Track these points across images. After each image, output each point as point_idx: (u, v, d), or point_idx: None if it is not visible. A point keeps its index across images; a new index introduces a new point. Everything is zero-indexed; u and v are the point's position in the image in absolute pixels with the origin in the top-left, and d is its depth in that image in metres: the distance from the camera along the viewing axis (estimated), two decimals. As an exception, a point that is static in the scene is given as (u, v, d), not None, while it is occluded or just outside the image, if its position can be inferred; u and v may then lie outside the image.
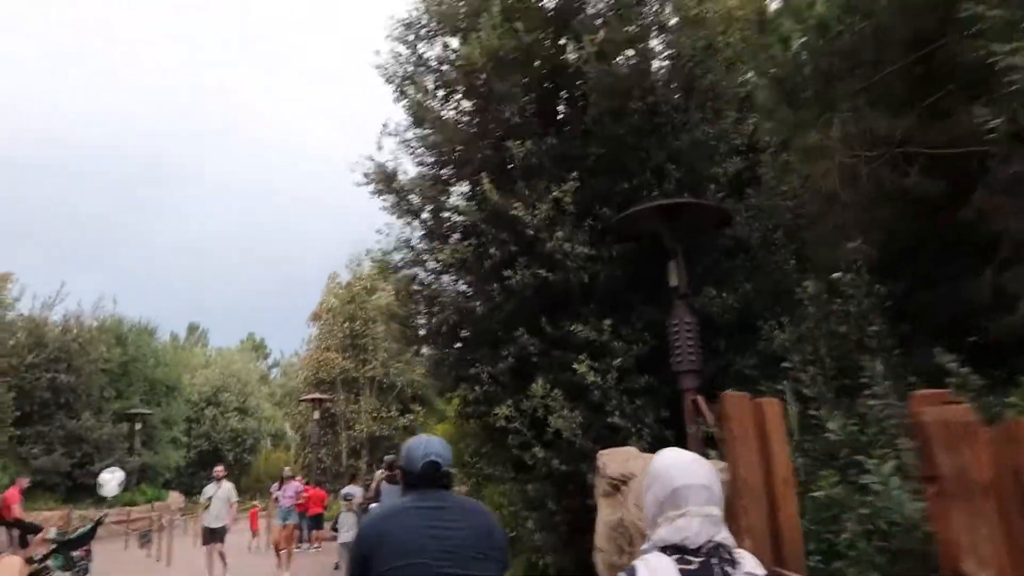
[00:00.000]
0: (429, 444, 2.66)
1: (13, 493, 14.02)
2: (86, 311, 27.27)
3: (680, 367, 6.65)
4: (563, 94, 7.92)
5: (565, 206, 7.05)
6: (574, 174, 7.07)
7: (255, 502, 24.21)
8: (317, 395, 22.72)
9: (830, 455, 4.13)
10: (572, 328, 6.94)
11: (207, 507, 12.40)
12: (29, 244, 70.42)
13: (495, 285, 7.36)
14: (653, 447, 6.60)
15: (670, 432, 6.73)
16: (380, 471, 15.96)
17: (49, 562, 14.37)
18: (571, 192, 6.98)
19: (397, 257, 8.64)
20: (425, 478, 2.58)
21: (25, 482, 15.35)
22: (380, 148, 8.43)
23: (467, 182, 7.84)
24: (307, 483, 19.41)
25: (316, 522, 18.54)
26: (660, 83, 7.67)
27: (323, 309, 26.17)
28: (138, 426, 27.50)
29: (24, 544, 13.75)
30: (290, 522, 14.64)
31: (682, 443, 6.28)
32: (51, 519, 20.95)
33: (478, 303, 7.38)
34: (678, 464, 1.87)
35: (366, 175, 8.80)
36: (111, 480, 22.01)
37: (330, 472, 24.92)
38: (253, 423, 40.12)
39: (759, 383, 5.79)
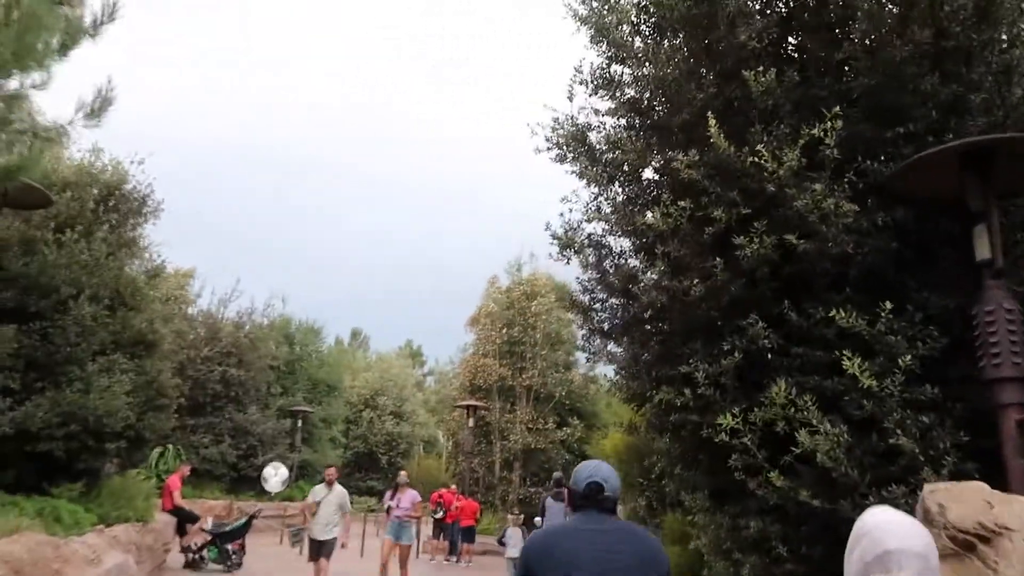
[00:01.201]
0: (597, 468, 2.76)
1: (175, 480, 13.92)
2: (258, 309, 28.12)
3: (995, 373, 4.69)
4: (808, 17, 6.15)
5: (824, 151, 5.29)
6: (836, 109, 5.29)
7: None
8: (472, 402, 21.81)
9: None
10: (830, 315, 5.15)
11: (315, 513, 10.50)
12: (209, 242, 76.50)
13: (716, 260, 5.70)
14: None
15: (974, 465, 4.76)
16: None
17: (205, 552, 14.16)
18: (834, 131, 5.21)
19: (586, 230, 7.19)
20: (588, 499, 2.66)
21: (187, 469, 15.31)
22: (571, 97, 7.01)
23: (680, 134, 6.23)
24: (461, 493, 18.42)
25: (468, 535, 17.43)
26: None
27: (482, 314, 25.37)
28: (300, 423, 27.88)
29: (182, 533, 13.56)
30: (404, 541, 12.05)
31: (996, 481, 4.33)
32: (214, 508, 21.27)
33: (693, 282, 5.75)
34: (892, 523, 1.70)
35: (549, 137, 7.44)
36: (275, 476, 22.25)
37: (483, 483, 23.97)
38: (408, 428, 40.31)
39: None
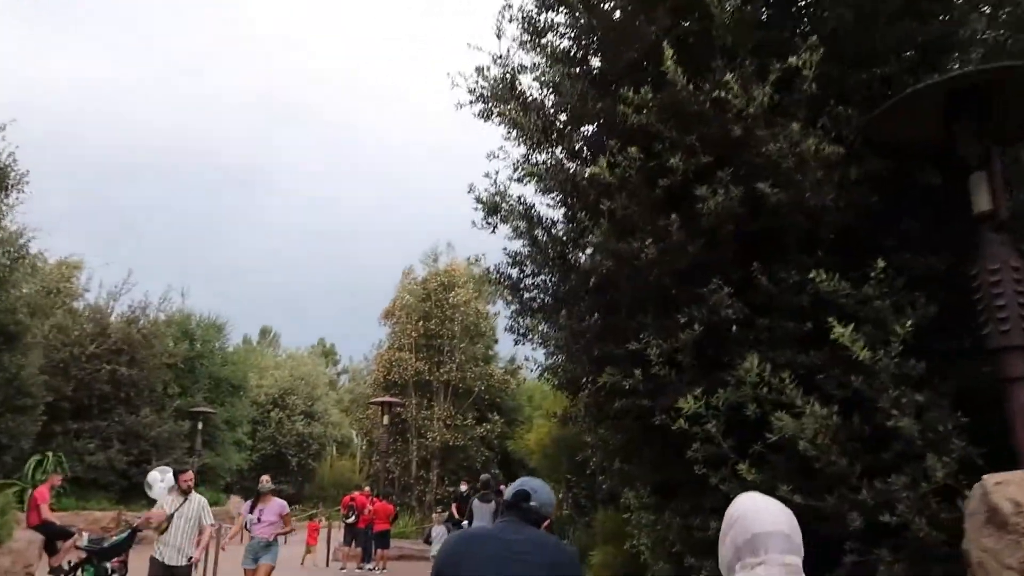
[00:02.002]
0: (528, 482, 2.78)
1: (42, 492, 12.21)
2: (153, 304, 25.95)
3: (1002, 341, 3.99)
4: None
5: (801, 86, 4.51)
6: (813, 39, 4.52)
7: (315, 511, 22.17)
8: (387, 398, 20.59)
9: None
10: (808, 278, 4.37)
11: (165, 529, 8.02)
12: (122, 242, 71.71)
13: (672, 217, 4.85)
14: (957, 476, 3.96)
15: (978, 450, 4.07)
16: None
17: (80, 573, 12.48)
18: (814, 63, 4.43)
19: (515, 194, 6.24)
20: (512, 508, 2.67)
21: (58, 480, 13.51)
22: (500, 35, 6.04)
23: (627, 77, 5.35)
24: (375, 495, 17.20)
25: (382, 540, 16.25)
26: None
27: (396, 306, 24.11)
28: (200, 425, 25.91)
29: (52, 551, 11.88)
30: (265, 560, 9.64)
31: (1002, 467, 3.64)
32: (101, 520, 19.35)
33: (644, 244, 4.89)
34: (758, 508, 1.84)
35: (473, 88, 6.46)
36: (160, 482, 20.02)
37: (399, 483, 22.77)
38: (319, 428, 38.60)
39: None
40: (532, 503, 2.65)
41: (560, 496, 12.19)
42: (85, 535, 12.24)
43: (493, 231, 6.65)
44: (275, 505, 9.80)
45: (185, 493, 8.23)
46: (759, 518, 1.79)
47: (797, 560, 1.76)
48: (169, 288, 31.77)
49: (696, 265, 4.93)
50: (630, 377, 5.14)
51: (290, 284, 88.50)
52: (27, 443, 20.93)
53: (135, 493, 22.35)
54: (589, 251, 5.62)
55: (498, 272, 6.63)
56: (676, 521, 5.96)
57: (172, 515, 8.04)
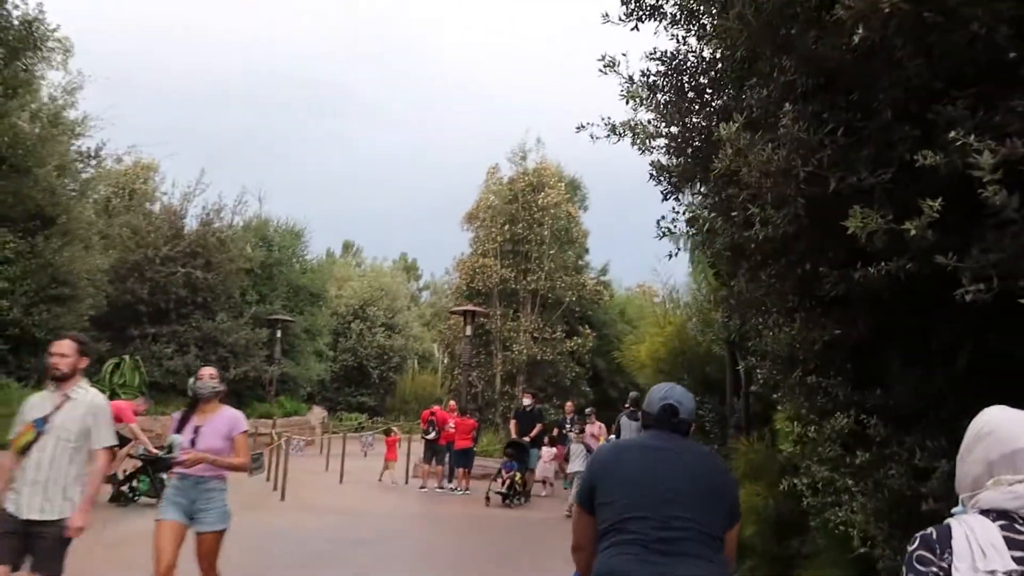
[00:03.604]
0: (671, 390, 2.70)
1: (127, 411, 10.79)
2: (228, 206, 24.80)
3: None
4: None
5: None
6: None
7: (396, 426, 21.02)
8: (470, 307, 18.84)
9: None
10: None
11: (21, 450, 4.11)
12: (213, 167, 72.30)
13: None
14: None
15: None
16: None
17: (134, 483, 11.41)
18: None
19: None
20: (660, 421, 2.61)
21: (142, 406, 12.04)
22: None
23: None
24: (459, 412, 15.65)
25: (463, 458, 14.72)
26: None
27: (480, 207, 22.07)
28: (279, 333, 25.04)
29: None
30: (206, 528, 4.94)
31: None
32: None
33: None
34: (1019, 421, 1.60)
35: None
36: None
37: (481, 398, 21.31)
38: (400, 341, 37.69)
39: None
40: (682, 416, 2.60)
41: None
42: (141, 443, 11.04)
43: (635, 28, 4.41)
44: (222, 420, 5.11)
45: (62, 383, 4.21)
46: (1021, 432, 1.55)
47: None
48: (244, 191, 30.34)
49: None
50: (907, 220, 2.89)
51: (375, 199, 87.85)
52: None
53: (213, 399, 21.77)
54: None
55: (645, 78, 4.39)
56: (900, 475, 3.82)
57: (41, 430, 4.10)
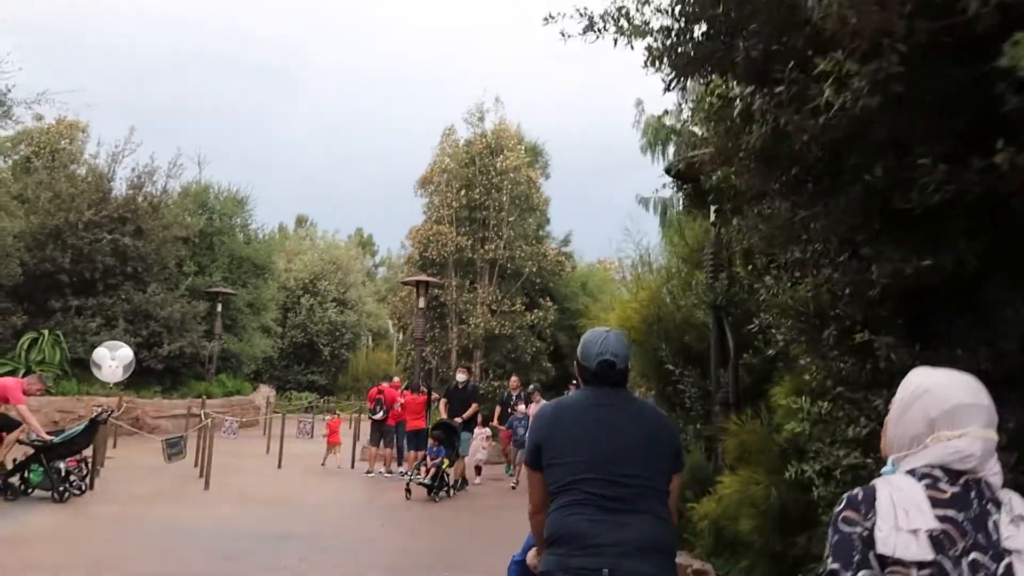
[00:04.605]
0: (605, 342, 2.61)
1: (17, 392, 9.18)
2: (162, 168, 22.79)
3: None
4: None
5: None
6: None
7: (346, 405, 19.62)
8: (423, 277, 17.46)
9: None
10: None
11: None
12: (159, 133, 68.66)
13: None
14: None
15: None
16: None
17: (26, 473, 9.88)
18: None
19: None
20: (599, 376, 2.58)
21: (38, 387, 10.24)
22: None
23: None
24: (405, 388, 14.33)
25: (417, 440, 13.41)
26: None
27: (435, 171, 20.58)
28: (219, 307, 23.33)
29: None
30: None
31: None
32: (104, 407, 16.96)
33: None
34: (956, 380, 1.62)
35: None
36: (108, 359, 16.56)
37: (437, 375, 20.01)
38: (353, 317, 36.17)
39: None
40: (619, 367, 2.59)
41: (651, 396, 9.00)
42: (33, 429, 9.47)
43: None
44: None
45: None
46: (959, 388, 1.59)
47: (995, 436, 1.56)
48: (179, 152, 28.00)
49: None
50: None
51: (328, 174, 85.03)
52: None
53: (145, 376, 20.06)
54: None
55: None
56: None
57: None
